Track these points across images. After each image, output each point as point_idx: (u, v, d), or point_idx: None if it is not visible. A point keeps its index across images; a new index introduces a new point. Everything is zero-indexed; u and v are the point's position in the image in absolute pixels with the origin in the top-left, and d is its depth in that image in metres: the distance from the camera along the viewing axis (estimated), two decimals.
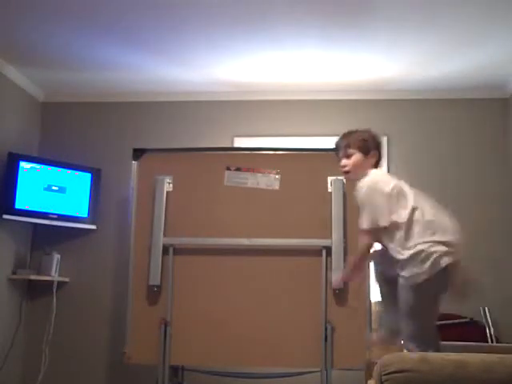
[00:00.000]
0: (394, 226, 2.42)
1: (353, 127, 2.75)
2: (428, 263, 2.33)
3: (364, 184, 2.52)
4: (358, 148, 2.62)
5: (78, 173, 4.25)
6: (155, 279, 3.42)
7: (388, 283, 2.59)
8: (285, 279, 3.42)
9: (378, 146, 2.67)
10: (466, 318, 3.73)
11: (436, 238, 2.37)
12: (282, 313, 3.39)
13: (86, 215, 4.24)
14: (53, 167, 4.16)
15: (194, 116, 4.48)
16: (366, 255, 2.62)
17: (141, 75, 4.20)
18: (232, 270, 3.46)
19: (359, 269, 2.70)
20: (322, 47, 3.69)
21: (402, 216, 2.42)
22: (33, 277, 4.12)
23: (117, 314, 4.01)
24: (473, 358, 1.73)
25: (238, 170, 3.54)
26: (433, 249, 2.34)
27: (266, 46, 3.70)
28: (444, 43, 3.60)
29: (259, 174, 3.54)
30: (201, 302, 3.43)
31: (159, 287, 3.43)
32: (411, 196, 2.47)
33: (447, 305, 2.58)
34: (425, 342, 2.35)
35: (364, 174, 2.56)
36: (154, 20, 3.40)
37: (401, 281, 2.42)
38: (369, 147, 2.63)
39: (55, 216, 4.11)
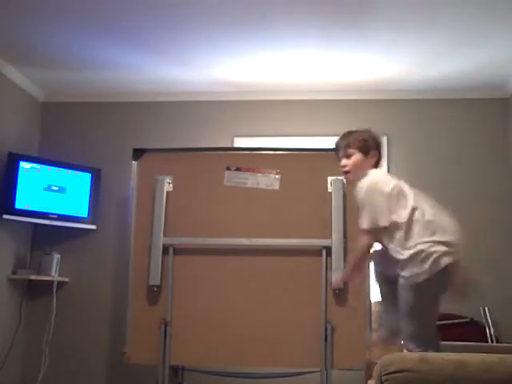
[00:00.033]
0: (393, 226, 2.43)
1: (353, 127, 2.75)
2: (428, 263, 2.33)
3: (364, 184, 2.52)
4: (358, 148, 2.62)
5: (77, 173, 4.25)
6: (155, 279, 3.42)
7: (388, 283, 2.59)
8: (285, 279, 3.42)
9: (378, 146, 2.67)
10: (466, 317, 3.73)
11: (436, 237, 2.37)
12: (282, 313, 3.39)
13: (86, 215, 4.24)
14: (53, 167, 4.16)
15: (194, 116, 4.48)
16: (365, 255, 2.62)
17: (141, 75, 4.20)
18: (232, 270, 3.46)
19: (359, 269, 2.70)
20: (322, 47, 3.69)
21: (402, 216, 2.42)
22: (33, 277, 4.12)
23: (117, 314, 4.01)
24: (473, 358, 1.73)
25: (238, 170, 3.54)
26: (433, 249, 2.34)
27: (266, 46, 3.70)
28: (444, 43, 3.60)
29: (259, 174, 3.54)
30: (201, 302, 3.43)
31: (159, 287, 3.43)
32: (411, 196, 2.48)
33: (447, 305, 2.58)
34: (425, 342, 2.35)
35: (364, 174, 2.56)
36: (154, 20, 3.40)
37: (401, 281, 2.42)
38: (369, 147, 2.63)
39: (55, 216, 4.11)
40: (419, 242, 2.37)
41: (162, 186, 3.53)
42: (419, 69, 3.98)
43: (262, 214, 3.50)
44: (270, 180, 3.53)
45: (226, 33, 3.54)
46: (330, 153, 2.87)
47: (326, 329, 3.30)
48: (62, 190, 4.18)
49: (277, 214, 3.50)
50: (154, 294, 3.44)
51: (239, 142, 4.34)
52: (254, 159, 3.57)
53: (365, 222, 2.49)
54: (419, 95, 4.33)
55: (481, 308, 3.79)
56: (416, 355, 1.83)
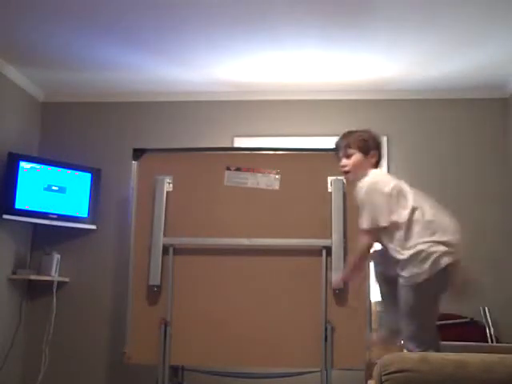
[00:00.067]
0: (393, 226, 2.43)
1: (353, 127, 2.75)
2: (428, 263, 2.33)
3: (364, 184, 2.52)
4: (358, 148, 2.62)
5: (77, 173, 4.25)
6: (155, 279, 3.42)
7: (388, 283, 2.59)
8: (285, 279, 3.42)
9: (378, 146, 2.67)
10: (466, 317, 3.73)
11: (436, 237, 2.37)
12: (282, 313, 3.39)
13: (86, 215, 4.24)
14: (53, 167, 4.16)
15: (194, 116, 4.48)
16: (365, 255, 2.62)
17: (141, 75, 4.20)
18: (232, 270, 3.46)
19: (359, 269, 2.70)
20: (322, 47, 3.69)
21: (401, 216, 2.42)
22: (33, 277, 4.12)
23: (117, 314, 4.01)
24: (473, 358, 1.73)
25: (238, 170, 3.54)
26: (433, 249, 2.34)
27: (266, 46, 3.70)
28: (444, 43, 3.60)
29: (259, 174, 3.54)
30: (201, 302, 3.43)
31: (159, 287, 3.43)
32: (411, 196, 2.47)
33: (447, 305, 2.58)
34: (425, 342, 2.35)
35: (364, 174, 2.56)
36: (154, 20, 3.40)
37: (401, 281, 2.42)
38: (369, 147, 2.63)
39: (55, 216, 4.11)
40: (419, 242, 2.37)
41: (162, 186, 3.53)
42: (419, 69, 3.98)
43: (261, 214, 3.50)
44: (269, 180, 3.53)
45: (225, 33, 3.54)
46: (330, 153, 2.87)
47: (325, 329, 3.30)
48: (61, 190, 4.18)
49: (277, 214, 3.50)
50: (153, 294, 3.44)
51: (239, 142, 4.34)
52: (254, 159, 3.57)
53: (365, 222, 2.49)
54: (419, 95, 4.33)
55: (481, 308, 3.79)
56: (416, 355, 1.83)
